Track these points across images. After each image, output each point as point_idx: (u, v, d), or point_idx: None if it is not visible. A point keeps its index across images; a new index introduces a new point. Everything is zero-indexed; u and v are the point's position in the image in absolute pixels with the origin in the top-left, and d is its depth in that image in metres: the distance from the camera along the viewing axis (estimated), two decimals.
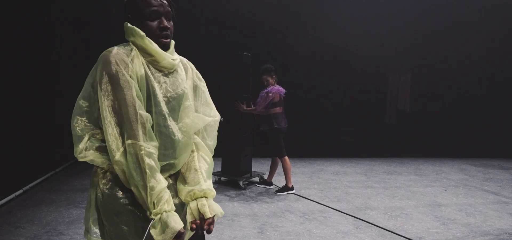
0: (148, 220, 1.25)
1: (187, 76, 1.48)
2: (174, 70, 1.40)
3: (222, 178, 5.55)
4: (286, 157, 4.96)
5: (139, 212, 1.29)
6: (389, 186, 5.71)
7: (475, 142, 9.42)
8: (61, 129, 6.20)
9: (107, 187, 1.30)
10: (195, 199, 1.35)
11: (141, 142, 1.22)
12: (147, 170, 1.21)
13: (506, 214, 4.43)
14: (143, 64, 1.31)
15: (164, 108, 1.33)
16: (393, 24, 8.28)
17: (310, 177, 6.16)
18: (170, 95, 1.35)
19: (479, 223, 4.07)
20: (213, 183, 5.46)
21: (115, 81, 1.24)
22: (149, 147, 1.24)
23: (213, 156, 1.54)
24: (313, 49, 8.05)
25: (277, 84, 5.01)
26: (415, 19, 8.42)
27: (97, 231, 1.34)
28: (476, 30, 8.91)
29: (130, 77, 1.25)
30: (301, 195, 4.97)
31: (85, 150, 1.27)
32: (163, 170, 1.34)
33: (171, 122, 1.34)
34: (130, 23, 1.34)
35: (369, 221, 3.99)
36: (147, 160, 1.22)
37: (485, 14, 8.65)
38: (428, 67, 8.95)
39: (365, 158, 8.47)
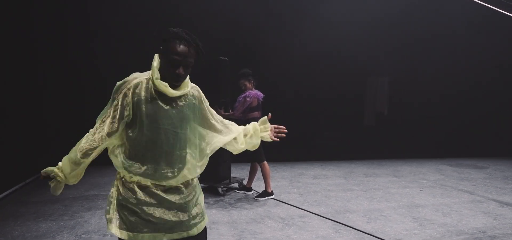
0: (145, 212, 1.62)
1: (197, 101, 1.75)
2: (179, 98, 1.66)
3: (201, 185, 5.43)
4: (265, 162, 4.90)
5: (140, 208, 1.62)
6: (368, 189, 5.74)
7: (451, 142, 9.67)
8: (32, 140, 5.97)
9: (124, 189, 1.64)
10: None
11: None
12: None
13: (480, 213, 4.52)
14: (148, 90, 1.60)
15: (162, 124, 1.59)
16: (371, 28, 8.39)
17: (290, 182, 6.13)
18: (173, 116, 1.62)
19: (455, 222, 4.13)
20: None
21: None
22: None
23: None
24: (291, 53, 8.04)
25: (255, 89, 4.97)
26: (393, 24, 8.56)
27: (118, 221, 1.63)
28: (451, 34, 9.16)
29: (123, 102, 1.58)
30: (280, 200, 4.92)
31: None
32: (154, 178, 1.63)
33: (170, 136, 1.61)
34: (159, 53, 1.61)
35: (348, 224, 3.98)
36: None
37: (461, 20, 8.88)
38: (405, 70, 9.11)
39: (345, 161, 8.53)
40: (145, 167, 1.60)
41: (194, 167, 1.73)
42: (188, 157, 1.70)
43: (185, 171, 1.69)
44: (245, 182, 5.46)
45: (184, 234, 1.69)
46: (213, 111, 1.85)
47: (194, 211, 1.75)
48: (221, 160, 5.26)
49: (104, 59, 6.69)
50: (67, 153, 1.72)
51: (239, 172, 6.61)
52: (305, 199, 4.99)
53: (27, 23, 5.85)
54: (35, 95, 6.17)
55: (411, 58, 9.13)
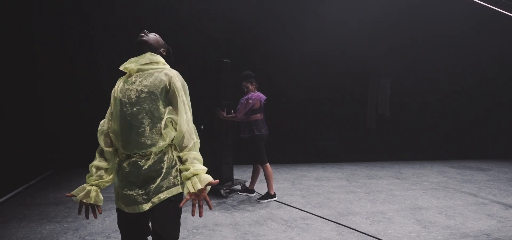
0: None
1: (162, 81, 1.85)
2: (140, 75, 1.88)
3: None
4: (268, 164, 4.90)
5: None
6: (370, 191, 5.73)
7: (453, 144, 9.64)
8: (35, 141, 6.00)
9: None
10: (189, 179, 1.77)
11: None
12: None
13: (484, 215, 4.50)
14: (121, 82, 1.92)
15: (122, 98, 1.85)
16: (372, 29, 8.39)
17: (293, 184, 6.12)
18: (131, 91, 1.84)
19: (459, 225, 4.12)
20: None
21: None
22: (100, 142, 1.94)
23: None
24: (293, 55, 8.05)
25: (257, 91, 4.97)
26: (394, 24, 8.56)
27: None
28: (453, 35, 9.14)
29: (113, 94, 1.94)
30: (283, 202, 4.92)
31: None
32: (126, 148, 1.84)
33: (127, 110, 1.82)
34: None
35: (351, 226, 3.97)
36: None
37: (462, 19, 8.89)
38: (406, 72, 9.11)
39: (347, 163, 8.52)
40: (119, 138, 1.84)
41: (152, 137, 1.81)
42: (147, 129, 1.81)
43: (142, 140, 1.80)
44: (247, 184, 5.46)
45: (136, 209, 1.82)
46: (181, 109, 1.84)
47: (152, 187, 1.82)
48: (224, 162, 5.26)
49: (105, 60, 6.72)
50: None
51: (242, 174, 6.62)
52: (308, 201, 4.99)
53: (27, 22, 5.87)
54: (37, 97, 6.19)
55: (413, 59, 9.12)
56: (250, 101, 4.79)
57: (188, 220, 4.05)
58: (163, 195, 1.82)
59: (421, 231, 3.87)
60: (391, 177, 6.90)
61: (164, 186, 1.83)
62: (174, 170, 1.88)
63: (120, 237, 3.52)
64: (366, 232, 3.79)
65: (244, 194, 5.30)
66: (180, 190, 1.88)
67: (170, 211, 1.85)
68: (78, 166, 6.83)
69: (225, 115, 4.98)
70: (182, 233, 3.62)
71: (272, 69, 7.78)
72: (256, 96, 4.85)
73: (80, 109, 6.85)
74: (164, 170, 1.84)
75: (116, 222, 3.91)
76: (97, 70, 6.76)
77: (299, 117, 8.40)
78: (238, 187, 5.51)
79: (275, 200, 4.97)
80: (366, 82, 9.35)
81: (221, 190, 5.09)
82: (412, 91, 9.30)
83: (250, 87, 4.94)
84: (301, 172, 7.25)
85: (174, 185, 1.87)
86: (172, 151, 1.90)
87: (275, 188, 5.27)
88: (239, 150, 5.89)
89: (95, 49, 6.81)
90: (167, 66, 1.95)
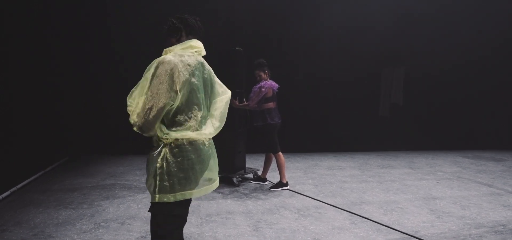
0: None
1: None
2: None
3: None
4: (280, 153, 4.89)
5: None
6: (383, 180, 5.69)
7: (467, 134, 9.48)
8: (53, 128, 6.10)
9: None
10: None
11: None
12: None
13: (500, 206, 4.44)
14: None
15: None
16: (387, 17, 8.23)
17: (305, 172, 6.11)
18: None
19: (474, 215, 4.07)
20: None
21: None
22: None
23: None
24: (306, 43, 7.96)
25: (270, 79, 4.94)
26: (410, 11, 8.38)
27: None
28: (469, 23, 8.91)
29: None
30: (295, 191, 4.92)
31: None
32: None
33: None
34: None
35: (364, 216, 3.95)
36: None
37: (479, 6, 8.65)
38: (421, 60, 8.94)
39: (359, 152, 8.46)
40: None
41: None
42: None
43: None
44: (259, 173, 5.47)
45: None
46: None
47: (148, 181, 1.79)
48: (236, 150, 5.27)
49: (121, 49, 6.76)
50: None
51: (254, 163, 6.63)
52: (320, 190, 4.98)
53: (46, 14, 5.92)
54: (54, 85, 6.26)
55: (427, 48, 8.93)
56: (263, 89, 4.77)
57: (201, 208, 4.09)
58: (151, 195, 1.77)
59: (435, 221, 3.83)
60: (404, 167, 6.83)
61: (150, 187, 1.78)
62: (159, 174, 1.72)
63: (134, 224, 3.59)
64: (380, 221, 3.77)
65: (256, 182, 5.32)
66: (156, 200, 1.70)
67: (151, 220, 1.80)
68: (93, 153, 6.93)
69: (237, 103, 4.97)
70: (195, 221, 3.66)
71: (285, 57, 7.72)
72: (269, 84, 4.82)
73: (95, 97, 6.92)
74: (151, 168, 1.77)
75: (130, 209, 3.98)
76: (113, 59, 6.81)
77: (310, 106, 8.33)
78: (250, 175, 5.53)
79: (287, 189, 4.97)
80: (380, 70, 9.19)
81: (233, 179, 5.10)
82: (427, 80, 9.12)
83: (263, 75, 4.91)
84: (313, 161, 7.23)
85: (152, 193, 1.73)
86: (165, 151, 1.77)
87: (287, 177, 5.27)
88: (252, 139, 5.89)
89: (112, 37, 6.83)
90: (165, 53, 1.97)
